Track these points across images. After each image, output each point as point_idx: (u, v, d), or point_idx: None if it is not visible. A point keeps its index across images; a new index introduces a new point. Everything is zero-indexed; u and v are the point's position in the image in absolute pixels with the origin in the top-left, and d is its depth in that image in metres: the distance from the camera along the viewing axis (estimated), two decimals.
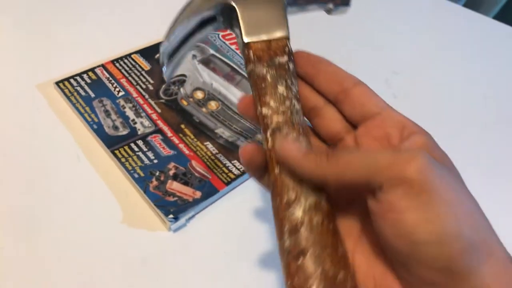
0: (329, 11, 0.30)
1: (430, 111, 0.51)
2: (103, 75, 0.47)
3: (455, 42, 0.63)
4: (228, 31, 0.56)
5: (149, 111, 0.45)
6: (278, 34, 0.26)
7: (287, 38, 0.27)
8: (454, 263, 0.18)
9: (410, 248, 0.19)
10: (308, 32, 0.48)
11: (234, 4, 0.26)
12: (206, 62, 0.51)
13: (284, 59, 0.26)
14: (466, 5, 0.75)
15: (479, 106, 0.54)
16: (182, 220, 0.38)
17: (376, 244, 0.23)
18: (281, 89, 0.25)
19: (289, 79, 0.26)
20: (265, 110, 0.25)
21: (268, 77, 0.25)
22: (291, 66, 0.26)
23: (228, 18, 0.28)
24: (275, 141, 0.24)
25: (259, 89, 0.25)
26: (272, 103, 0.25)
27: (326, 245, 0.22)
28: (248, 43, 0.26)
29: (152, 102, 0.46)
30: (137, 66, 0.49)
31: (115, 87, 0.46)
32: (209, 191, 0.40)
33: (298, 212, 0.23)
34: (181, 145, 0.43)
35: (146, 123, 0.44)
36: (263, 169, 0.26)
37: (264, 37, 0.26)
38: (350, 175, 0.21)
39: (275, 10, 0.27)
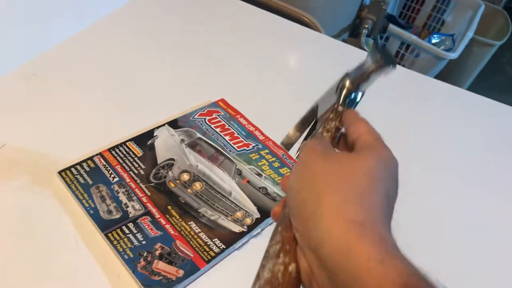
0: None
1: None
2: (100, 162, 0.54)
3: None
4: (214, 115, 0.62)
5: (140, 194, 0.51)
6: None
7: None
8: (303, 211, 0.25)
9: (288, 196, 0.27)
10: None
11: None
12: (193, 145, 0.58)
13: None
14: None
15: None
16: None
17: None
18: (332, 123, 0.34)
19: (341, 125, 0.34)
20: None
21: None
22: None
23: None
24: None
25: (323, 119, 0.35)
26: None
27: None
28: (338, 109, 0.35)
29: (143, 186, 0.52)
30: (130, 153, 0.55)
31: (111, 174, 0.53)
32: (191, 270, 0.44)
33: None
34: (167, 226, 0.48)
35: (137, 206, 0.50)
36: None
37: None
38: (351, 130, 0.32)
39: None
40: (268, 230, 0.51)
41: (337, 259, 0.22)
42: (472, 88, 1.80)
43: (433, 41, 1.64)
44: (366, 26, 1.18)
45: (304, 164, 0.27)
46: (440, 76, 1.52)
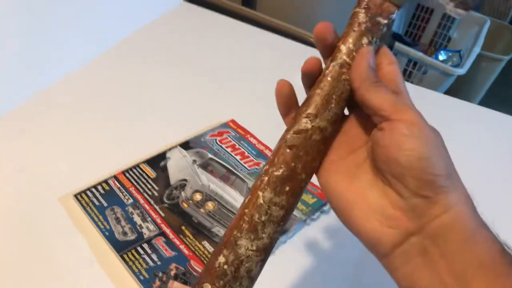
0: (447, 9, 0.33)
1: None
2: (115, 185, 0.55)
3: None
4: (224, 135, 0.63)
5: (154, 215, 0.52)
6: (397, 2, 0.31)
7: (398, 9, 0.31)
8: (438, 180, 0.26)
9: (410, 162, 0.26)
10: None
11: None
12: (205, 165, 0.59)
13: (383, 21, 0.31)
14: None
15: None
16: None
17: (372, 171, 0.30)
18: (364, 40, 0.30)
19: (376, 38, 0.31)
20: (342, 46, 0.30)
21: (363, 26, 0.30)
22: (384, 29, 0.31)
23: None
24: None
25: (349, 30, 0.31)
26: (351, 45, 0.30)
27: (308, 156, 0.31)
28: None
29: (157, 207, 0.53)
30: (144, 174, 0.56)
31: (125, 196, 0.53)
32: None
33: (307, 125, 0.30)
34: (182, 246, 0.49)
35: (151, 227, 0.50)
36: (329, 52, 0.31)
37: None
38: (375, 100, 0.28)
39: None
40: (280, 249, 0.51)
41: (450, 226, 0.26)
42: (483, 103, 1.78)
43: (440, 57, 1.64)
44: None
45: (423, 131, 0.27)
46: (449, 92, 1.52)
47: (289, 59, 0.85)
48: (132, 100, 0.71)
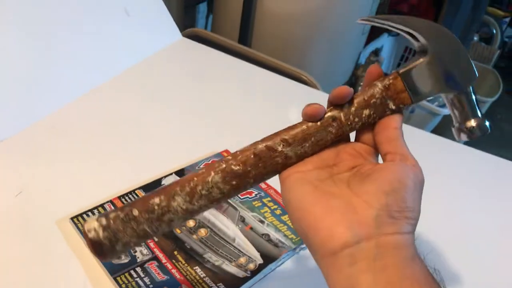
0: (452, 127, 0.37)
1: None
2: (110, 209, 0.56)
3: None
4: None
5: (147, 240, 0.53)
6: (414, 99, 0.35)
7: (410, 104, 0.35)
8: (408, 211, 0.31)
9: (401, 190, 0.31)
10: None
11: (424, 58, 0.35)
12: None
13: (392, 106, 0.35)
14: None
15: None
16: None
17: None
18: (366, 112, 0.34)
19: (376, 116, 0.35)
20: (346, 107, 0.35)
21: (372, 100, 0.34)
22: (388, 113, 0.35)
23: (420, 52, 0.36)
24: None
25: (361, 95, 0.35)
26: (352, 109, 0.35)
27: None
28: (399, 74, 0.35)
29: None
30: None
31: None
32: None
33: (278, 147, 0.35)
34: (174, 270, 0.50)
35: (145, 251, 0.52)
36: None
37: (408, 84, 0.35)
38: (402, 146, 0.34)
39: (436, 87, 0.35)
40: (269, 276, 0.52)
41: (399, 245, 0.30)
42: (468, 142, 1.83)
43: None
44: (362, 84, 1.25)
45: (419, 176, 0.33)
46: (436, 131, 1.57)
47: (281, 93, 0.89)
48: (130, 129, 0.73)
